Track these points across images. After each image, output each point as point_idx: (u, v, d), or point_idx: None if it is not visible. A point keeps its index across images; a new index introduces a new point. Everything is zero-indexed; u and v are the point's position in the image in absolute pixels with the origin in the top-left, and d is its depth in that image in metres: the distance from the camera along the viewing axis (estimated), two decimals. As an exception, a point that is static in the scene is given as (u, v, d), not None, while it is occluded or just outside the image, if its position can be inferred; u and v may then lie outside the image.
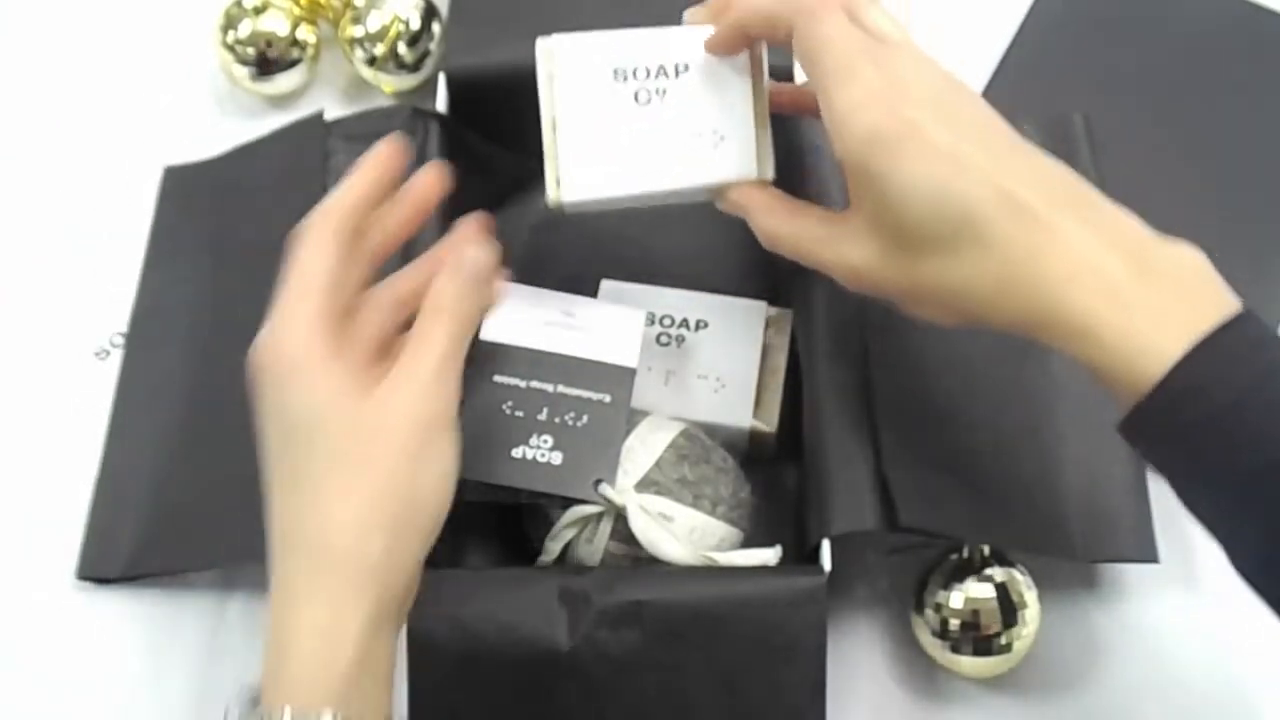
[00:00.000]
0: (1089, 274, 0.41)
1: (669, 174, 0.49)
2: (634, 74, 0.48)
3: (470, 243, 0.47)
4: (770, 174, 0.50)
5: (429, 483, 0.43)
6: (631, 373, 0.53)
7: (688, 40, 0.49)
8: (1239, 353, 0.39)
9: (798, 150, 0.58)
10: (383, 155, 0.48)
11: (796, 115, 0.52)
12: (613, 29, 0.49)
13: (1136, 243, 0.42)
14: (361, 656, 0.40)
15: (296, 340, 0.43)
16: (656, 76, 0.48)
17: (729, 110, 0.49)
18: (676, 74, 0.49)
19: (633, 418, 0.54)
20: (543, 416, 0.52)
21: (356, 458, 0.41)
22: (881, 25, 0.46)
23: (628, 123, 0.49)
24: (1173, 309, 0.40)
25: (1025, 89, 0.70)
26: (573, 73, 0.48)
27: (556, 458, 0.51)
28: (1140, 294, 0.40)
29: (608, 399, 0.52)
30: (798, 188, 0.56)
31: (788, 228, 0.48)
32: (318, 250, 0.45)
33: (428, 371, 0.43)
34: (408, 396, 0.43)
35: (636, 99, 0.48)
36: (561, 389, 0.52)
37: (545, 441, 0.51)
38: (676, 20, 0.65)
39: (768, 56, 0.51)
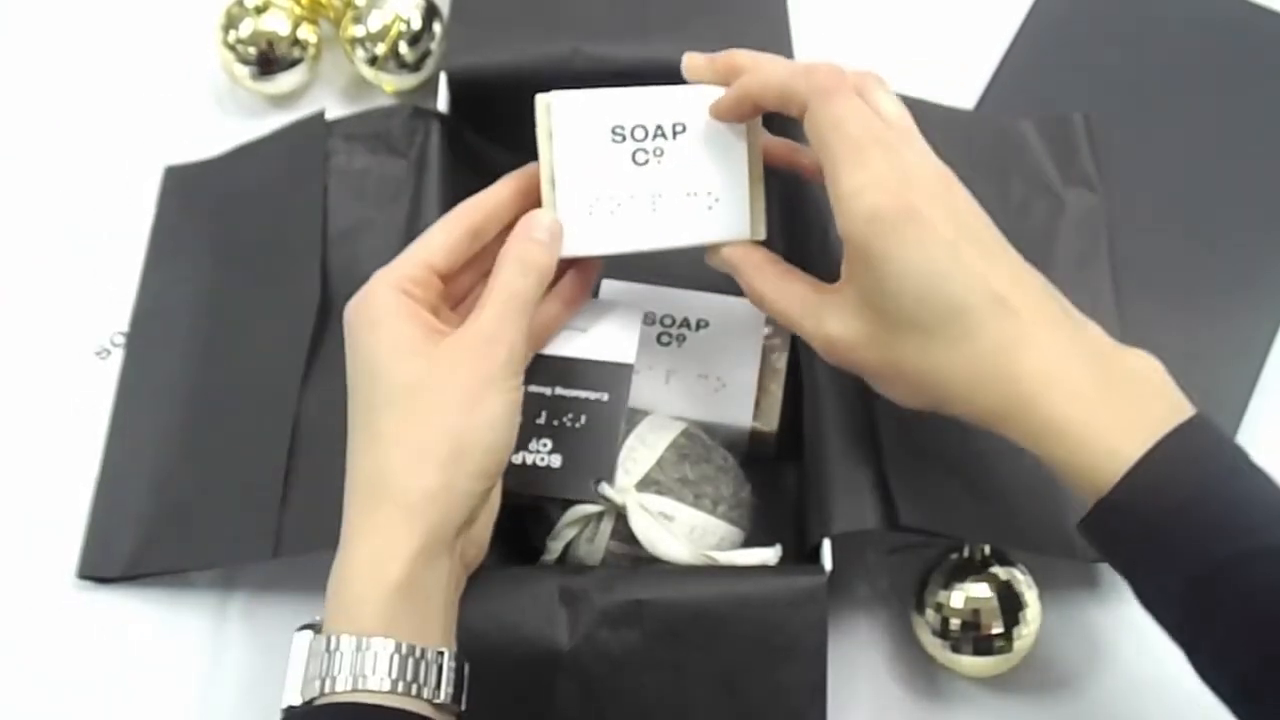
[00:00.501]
0: (1060, 378, 0.43)
1: (664, 234, 0.50)
2: (632, 134, 0.49)
3: (528, 214, 0.49)
4: (762, 234, 0.51)
5: (480, 428, 0.45)
6: (629, 369, 0.53)
7: (686, 101, 0.50)
8: (1194, 453, 0.42)
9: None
10: (532, 170, 0.51)
11: (790, 170, 0.53)
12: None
13: (1102, 351, 0.45)
14: (409, 582, 0.43)
15: (376, 299, 0.47)
16: (654, 137, 0.49)
17: (725, 171, 0.50)
18: (674, 135, 0.49)
19: (634, 417, 0.54)
20: (541, 420, 0.52)
21: (412, 405, 0.45)
22: (889, 110, 0.48)
23: (625, 183, 0.49)
24: (1133, 414, 0.43)
25: (1026, 88, 0.70)
26: (571, 131, 0.49)
27: (556, 460, 0.51)
28: (1104, 399, 0.43)
29: (605, 398, 0.52)
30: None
31: (774, 291, 0.50)
32: (433, 231, 0.49)
33: (483, 331, 0.46)
34: (462, 353, 0.46)
35: (634, 160, 0.49)
36: (559, 390, 0.52)
37: (544, 445, 0.51)
38: (675, 23, 0.66)
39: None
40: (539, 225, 0.49)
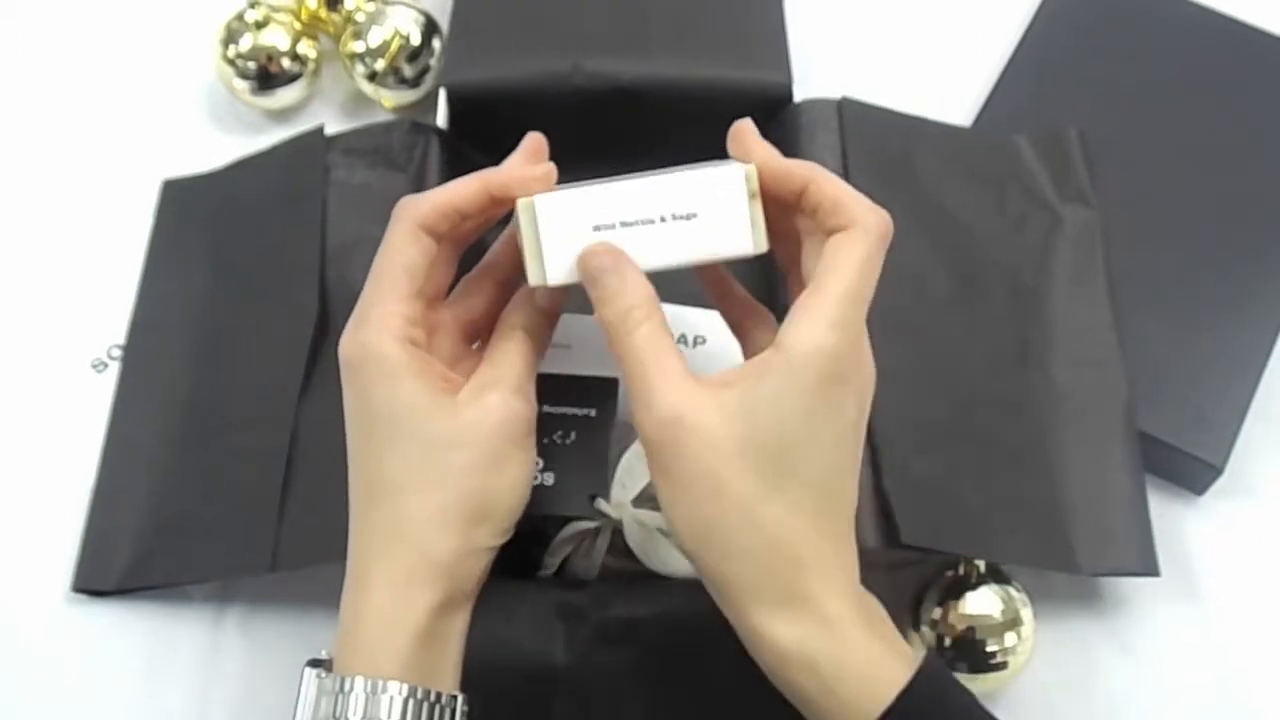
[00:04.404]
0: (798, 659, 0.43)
1: (659, 258, 0.47)
2: (616, 226, 0.45)
3: (523, 290, 0.47)
4: (764, 246, 0.46)
5: (503, 488, 0.44)
6: (615, 383, 0.53)
7: (670, 196, 0.46)
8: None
9: None
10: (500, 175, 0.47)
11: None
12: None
13: (833, 648, 0.43)
14: (430, 632, 0.43)
15: (383, 339, 0.44)
16: (640, 224, 0.46)
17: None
18: (661, 222, 0.46)
19: (631, 433, 0.53)
20: None
21: (435, 462, 0.43)
22: None
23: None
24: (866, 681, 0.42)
25: (1023, 105, 0.70)
26: (554, 233, 0.45)
27: (549, 479, 0.51)
28: (835, 687, 0.42)
29: (593, 413, 0.52)
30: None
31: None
32: (407, 254, 0.45)
33: (507, 385, 0.44)
34: (487, 408, 0.44)
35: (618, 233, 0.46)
36: (546, 408, 0.52)
37: (536, 464, 0.51)
38: (676, 38, 0.66)
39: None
40: (539, 294, 0.46)
